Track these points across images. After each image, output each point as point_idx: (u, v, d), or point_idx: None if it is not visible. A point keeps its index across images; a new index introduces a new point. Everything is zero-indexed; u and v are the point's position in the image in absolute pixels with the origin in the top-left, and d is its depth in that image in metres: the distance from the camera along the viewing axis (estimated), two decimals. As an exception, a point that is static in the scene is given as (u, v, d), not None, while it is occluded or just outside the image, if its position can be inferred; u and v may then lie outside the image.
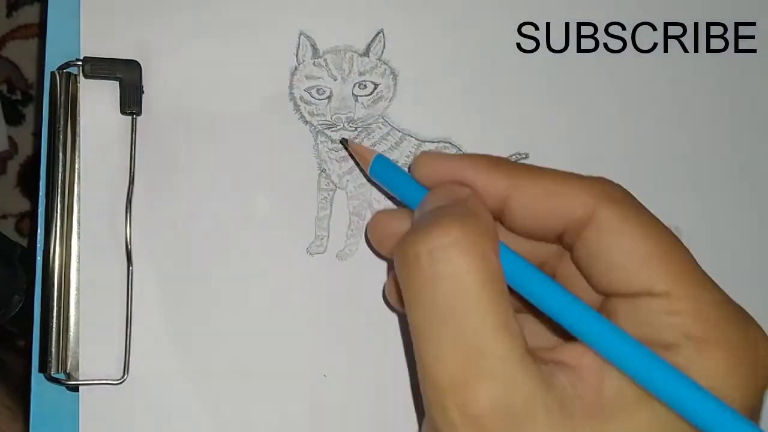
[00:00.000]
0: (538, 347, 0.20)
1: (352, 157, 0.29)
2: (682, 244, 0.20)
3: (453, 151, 0.30)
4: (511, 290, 0.20)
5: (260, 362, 0.28)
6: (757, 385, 0.19)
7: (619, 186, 0.21)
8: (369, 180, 0.28)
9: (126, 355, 0.27)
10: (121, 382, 0.27)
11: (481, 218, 0.21)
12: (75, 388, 0.27)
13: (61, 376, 0.27)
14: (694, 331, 0.19)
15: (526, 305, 0.22)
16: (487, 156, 0.23)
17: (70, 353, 0.27)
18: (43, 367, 0.27)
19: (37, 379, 0.28)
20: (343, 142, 0.28)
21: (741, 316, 0.20)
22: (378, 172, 0.26)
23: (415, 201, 0.23)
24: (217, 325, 0.28)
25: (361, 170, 0.28)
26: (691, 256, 0.20)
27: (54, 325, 0.27)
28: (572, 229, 0.21)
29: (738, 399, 0.18)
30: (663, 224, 0.21)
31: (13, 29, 0.81)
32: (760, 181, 0.31)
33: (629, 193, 0.21)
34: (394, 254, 0.21)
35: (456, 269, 0.19)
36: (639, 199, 0.22)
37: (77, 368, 0.27)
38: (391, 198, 0.29)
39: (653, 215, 0.21)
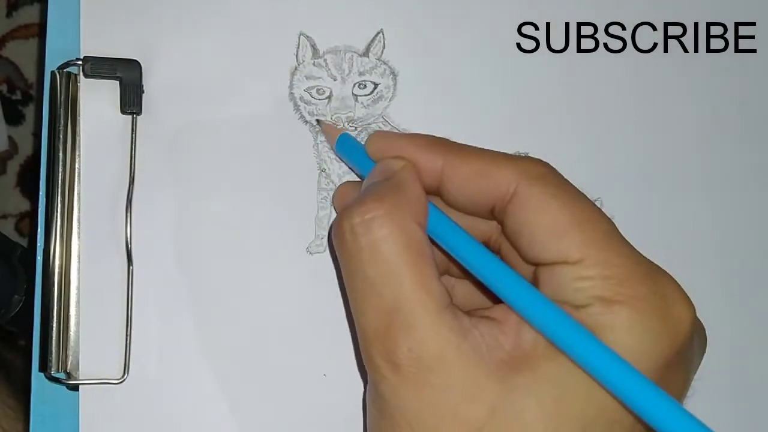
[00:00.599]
0: (471, 308, 0.22)
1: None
2: (602, 213, 0.22)
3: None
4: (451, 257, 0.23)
5: (260, 361, 0.28)
6: (670, 340, 0.20)
7: (543, 163, 0.23)
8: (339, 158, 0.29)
9: (126, 354, 0.27)
10: (121, 382, 0.27)
11: (404, 191, 0.23)
12: (75, 388, 0.27)
13: (62, 375, 0.27)
14: (602, 293, 0.20)
15: (465, 273, 0.23)
16: (427, 135, 0.25)
17: (70, 353, 0.27)
18: (44, 367, 0.27)
19: (37, 378, 0.28)
20: (318, 122, 0.29)
21: (654, 276, 0.21)
22: (343, 149, 0.28)
23: (362, 169, 0.26)
24: (217, 325, 0.28)
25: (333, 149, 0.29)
26: (610, 224, 0.22)
27: (54, 325, 0.27)
28: (499, 206, 0.23)
29: (647, 351, 0.20)
30: (584, 196, 0.22)
31: (13, 29, 0.81)
32: (761, 180, 0.31)
33: (553, 169, 0.23)
34: (331, 232, 0.24)
35: (374, 240, 0.21)
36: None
37: (77, 368, 0.27)
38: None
39: (575, 189, 0.22)
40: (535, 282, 0.22)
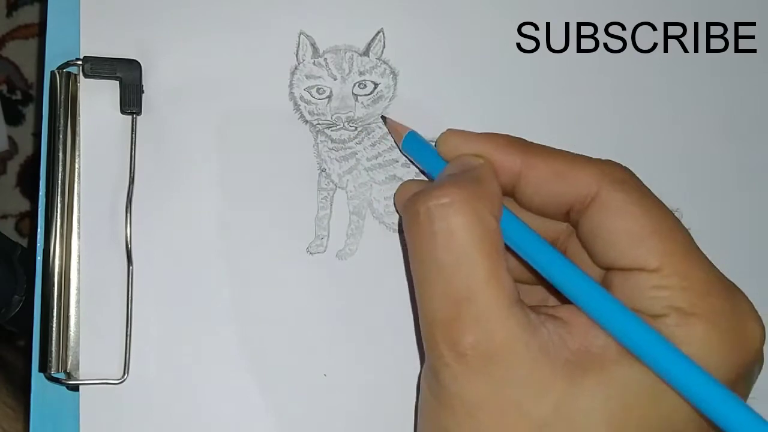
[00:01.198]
0: (540, 305, 0.22)
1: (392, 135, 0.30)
2: (681, 224, 0.22)
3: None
4: (521, 260, 0.23)
5: (260, 362, 0.28)
6: (741, 357, 0.20)
7: (624, 168, 0.23)
8: (404, 153, 0.29)
9: (126, 354, 0.27)
10: (121, 382, 0.27)
11: (484, 184, 0.22)
12: (75, 388, 0.27)
13: (62, 375, 0.27)
14: (680, 304, 0.20)
15: (538, 278, 0.23)
16: (504, 135, 0.25)
17: (70, 353, 0.27)
18: (44, 367, 0.27)
19: (37, 378, 0.28)
20: (383, 118, 0.29)
21: (730, 293, 0.21)
22: (409, 147, 0.28)
23: (432, 168, 0.26)
24: (217, 325, 0.28)
25: (398, 146, 0.29)
26: (688, 235, 0.22)
27: (54, 325, 0.27)
28: (577, 208, 0.23)
29: (719, 366, 0.20)
30: (663, 205, 0.22)
31: (13, 29, 0.81)
32: (760, 180, 0.31)
33: (634, 175, 0.23)
34: (401, 212, 0.23)
35: (449, 225, 0.21)
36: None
37: (77, 368, 0.27)
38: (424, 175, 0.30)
39: (655, 196, 0.22)
40: (606, 286, 0.22)
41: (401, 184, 0.28)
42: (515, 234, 0.23)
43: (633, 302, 0.21)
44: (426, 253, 0.22)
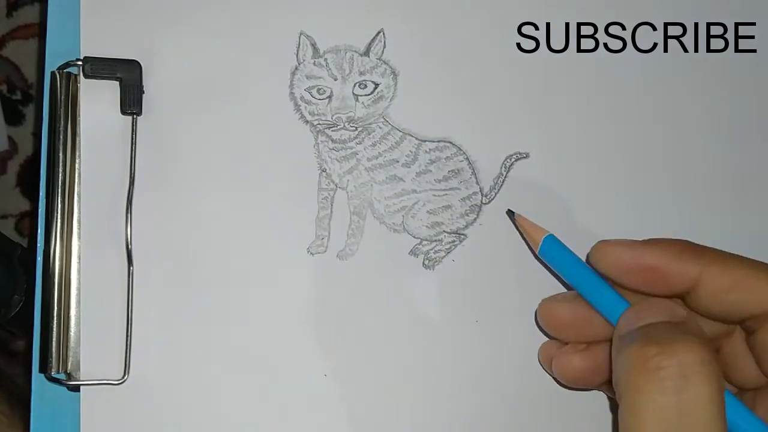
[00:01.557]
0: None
1: (519, 231, 0.29)
2: None
3: (453, 150, 0.30)
4: None
5: (261, 362, 0.28)
6: None
7: None
8: (537, 258, 0.28)
9: (126, 355, 0.27)
10: (121, 382, 0.27)
11: (707, 344, 0.20)
12: (75, 389, 0.27)
13: (62, 376, 0.27)
14: None
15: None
16: (677, 241, 0.23)
17: (70, 353, 0.27)
18: (44, 368, 0.27)
19: (37, 379, 0.28)
20: (509, 213, 0.29)
21: None
22: (548, 253, 0.27)
23: (594, 294, 0.25)
24: (218, 325, 0.28)
25: (529, 247, 0.29)
26: None
27: (54, 326, 0.27)
28: (759, 318, 0.22)
29: None
30: None
31: (13, 29, 0.81)
32: (759, 181, 0.31)
33: None
34: (624, 356, 0.21)
35: (699, 394, 0.19)
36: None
37: (78, 368, 0.27)
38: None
39: None
40: None
41: (544, 305, 0.27)
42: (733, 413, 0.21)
43: None
44: (659, 418, 0.19)
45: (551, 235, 0.27)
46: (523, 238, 0.29)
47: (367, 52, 0.30)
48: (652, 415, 0.20)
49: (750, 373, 0.22)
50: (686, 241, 0.23)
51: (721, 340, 0.24)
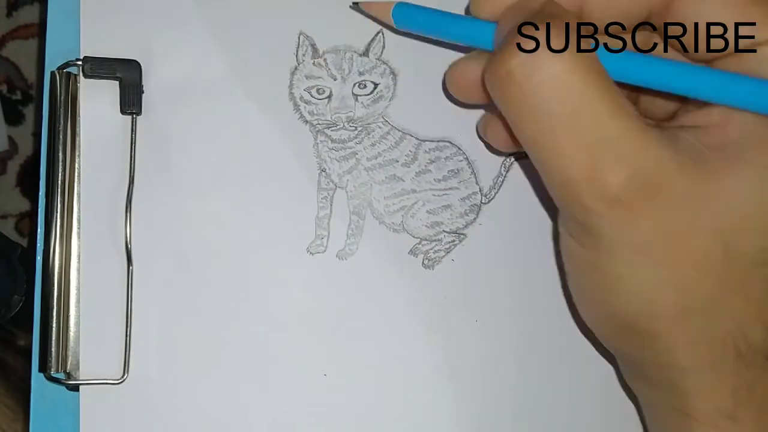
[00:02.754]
0: (658, 120, 0.21)
1: (372, 18, 0.28)
2: None
3: (453, 150, 0.30)
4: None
5: (260, 361, 0.28)
6: None
7: None
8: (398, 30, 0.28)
9: (126, 354, 0.27)
10: (121, 382, 0.27)
11: (564, 17, 0.20)
12: (75, 388, 0.27)
13: (61, 375, 0.27)
14: None
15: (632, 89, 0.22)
16: None
17: (70, 353, 0.27)
18: (43, 367, 0.27)
19: (37, 378, 0.28)
20: (354, 6, 0.28)
21: None
22: (404, 18, 0.26)
23: (475, 37, 0.24)
24: (217, 325, 0.28)
25: (387, 26, 0.28)
26: None
27: (54, 325, 0.27)
28: (657, 9, 0.22)
29: None
30: None
31: (13, 29, 0.81)
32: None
33: None
34: (487, 84, 0.21)
35: (552, 72, 0.19)
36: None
37: (77, 368, 0.27)
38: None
39: None
40: None
41: (453, 66, 0.26)
42: (612, 61, 0.21)
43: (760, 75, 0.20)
44: (536, 111, 0.20)
45: (400, 3, 0.26)
46: (380, 24, 0.28)
47: (366, 52, 0.30)
48: (523, 116, 0.20)
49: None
50: None
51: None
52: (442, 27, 0.25)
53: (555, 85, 0.19)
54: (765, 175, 0.19)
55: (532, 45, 0.20)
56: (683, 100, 0.22)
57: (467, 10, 0.24)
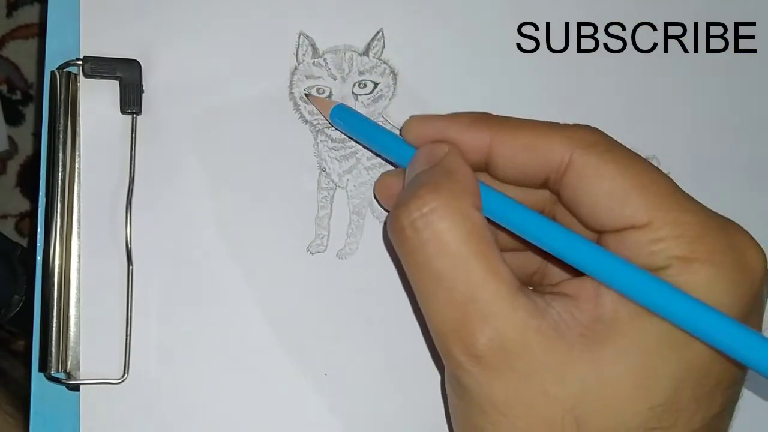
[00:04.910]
0: (539, 284, 0.22)
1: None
2: (661, 172, 0.22)
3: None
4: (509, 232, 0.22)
5: (260, 361, 0.28)
6: (749, 288, 0.20)
7: (593, 130, 0.23)
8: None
9: (126, 354, 0.27)
10: (121, 382, 0.27)
11: (456, 177, 0.22)
12: (75, 388, 0.27)
13: (61, 375, 0.27)
14: (678, 252, 0.20)
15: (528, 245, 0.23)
16: (468, 113, 0.24)
17: (70, 353, 0.27)
18: (43, 367, 0.27)
19: (37, 378, 0.28)
20: (306, 96, 0.29)
21: (724, 228, 0.21)
22: (340, 120, 0.28)
23: (400, 156, 0.26)
24: (217, 325, 0.28)
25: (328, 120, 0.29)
26: (671, 182, 0.21)
27: (54, 325, 0.27)
28: (554, 177, 0.22)
29: (729, 303, 0.20)
30: (640, 158, 0.22)
31: (13, 29, 0.81)
32: (760, 181, 0.31)
33: (604, 135, 0.22)
34: (388, 232, 0.23)
35: (436, 232, 0.21)
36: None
37: (77, 368, 0.27)
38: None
39: (630, 151, 0.22)
40: None
41: (380, 178, 0.28)
42: (501, 210, 0.22)
43: (633, 260, 0.20)
44: (420, 266, 0.21)
45: (341, 104, 0.28)
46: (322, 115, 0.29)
47: (366, 52, 0.30)
48: (409, 266, 0.22)
49: (583, 231, 0.23)
50: (481, 113, 0.24)
51: (551, 208, 0.24)
52: (370, 136, 0.27)
53: (437, 245, 0.21)
54: (624, 359, 0.20)
55: (427, 206, 0.21)
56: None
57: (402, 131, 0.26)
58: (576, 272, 0.22)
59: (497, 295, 0.20)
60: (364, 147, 0.29)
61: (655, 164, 0.22)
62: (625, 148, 0.22)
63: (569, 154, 0.22)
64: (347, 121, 0.28)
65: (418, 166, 0.24)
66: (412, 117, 0.25)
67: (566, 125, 0.23)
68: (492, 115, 0.24)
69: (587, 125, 0.23)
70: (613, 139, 0.22)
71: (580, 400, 0.20)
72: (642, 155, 0.22)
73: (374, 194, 0.29)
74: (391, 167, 0.29)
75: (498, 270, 0.21)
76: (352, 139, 0.29)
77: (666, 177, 0.22)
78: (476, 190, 0.22)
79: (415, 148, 0.25)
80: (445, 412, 0.28)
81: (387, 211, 0.29)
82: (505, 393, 0.21)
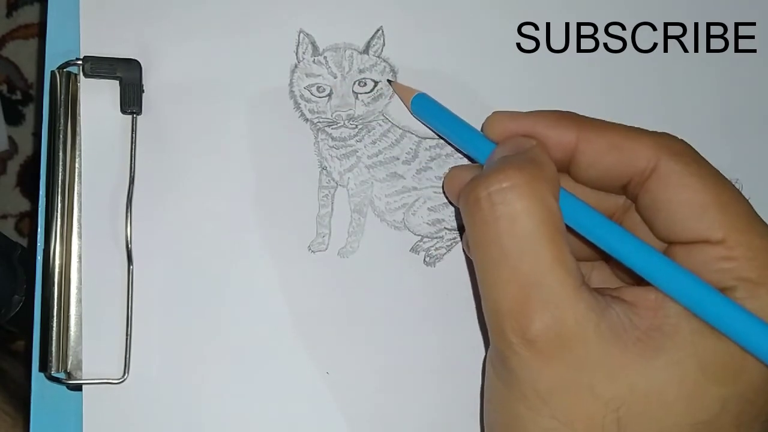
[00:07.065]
0: (603, 288, 0.22)
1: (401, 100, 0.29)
2: (741, 194, 0.22)
3: (451, 149, 0.30)
4: (585, 240, 0.22)
5: (262, 360, 0.28)
6: None
7: (681, 140, 0.23)
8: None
9: (126, 354, 0.27)
10: (121, 382, 0.27)
11: (541, 165, 0.22)
12: (75, 388, 0.27)
13: (62, 375, 0.27)
14: (747, 275, 0.20)
15: (600, 255, 0.23)
16: (554, 111, 0.24)
17: (70, 353, 0.27)
18: (44, 367, 0.27)
19: (37, 378, 0.28)
20: (389, 81, 0.29)
21: None
22: (420, 110, 0.28)
23: (478, 151, 0.25)
24: (218, 324, 0.28)
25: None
26: (749, 205, 0.22)
27: (54, 325, 0.27)
28: (636, 181, 0.22)
29: None
30: (722, 176, 0.22)
31: (13, 29, 0.81)
32: (759, 181, 0.31)
33: (691, 147, 0.23)
34: (459, 200, 0.23)
35: (513, 210, 0.21)
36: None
37: (78, 368, 0.27)
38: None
39: (713, 167, 0.22)
40: None
41: (450, 171, 0.27)
42: (576, 213, 0.22)
43: (699, 275, 0.20)
44: (489, 240, 0.21)
45: (422, 93, 0.28)
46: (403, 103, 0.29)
47: (366, 50, 0.30)
48: (478, 239, 0.22)
49: (653, 242, 0.23)
50: (568, 111, 0.24)
51: (621, 215, 0.25)
52: (450, 129, 0.27)
53: (511, 223, 0.21)
54: (677, 371, 0.20)
55: (508, 182, 0.21)
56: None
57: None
58: (635, 279, 0.22)
59: (562, 284, 0.20)
60: (440, 137, 0.29)
61: (739, 187, 0.22)
62: (709, 163, 0.22)
63: (656, 159, 0.22)
64: (427, 111, 0.28)
65: (502, 152, 0.24)
66: (495, 112, 0.25)
67: (654, 132, 0.23)
68: (578, 114, 0.24)
69: (674, 135, 0.23)
70: (698, 152, 0.23)
71: (625, 402, 0.20)
72: (726, 176, 0.22)
73: (443, 187, 0.29)
74: (395, 171, 0.29)
75: (566, 260, 0.21)
76: (431, 129, 0.29)
77: (745, 200, 0.22)
78: (557, 182, 0.22)
79: (495, 143, 0.25)
80: (445, 406, 0.28)
81: (453, 205, 0.29)
82: (551, 382, 0.20)
